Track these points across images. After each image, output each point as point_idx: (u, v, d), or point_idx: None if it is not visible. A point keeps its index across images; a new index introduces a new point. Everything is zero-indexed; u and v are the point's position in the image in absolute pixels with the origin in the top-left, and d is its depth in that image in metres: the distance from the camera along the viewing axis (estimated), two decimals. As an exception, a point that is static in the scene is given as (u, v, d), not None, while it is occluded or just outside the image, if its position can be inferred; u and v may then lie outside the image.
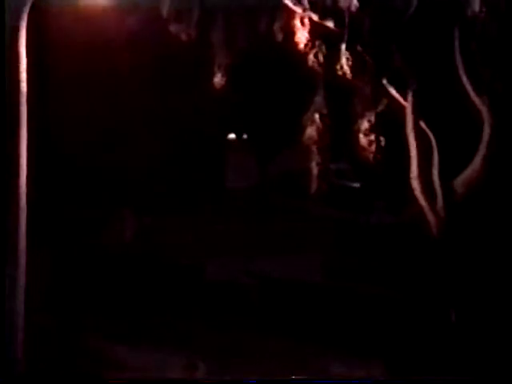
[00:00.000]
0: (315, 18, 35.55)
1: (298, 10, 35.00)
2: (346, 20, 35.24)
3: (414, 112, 34.57)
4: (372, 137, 35.59)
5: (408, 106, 34.55)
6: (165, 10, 35.28)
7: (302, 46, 35.20)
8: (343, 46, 35.22)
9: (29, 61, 28.14)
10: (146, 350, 37.62)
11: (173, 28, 35.66)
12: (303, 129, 35.79)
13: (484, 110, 34.22)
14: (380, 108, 35.52)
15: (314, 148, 36.18)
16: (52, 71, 31.11)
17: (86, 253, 37.38)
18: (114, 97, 34.90)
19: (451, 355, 31.62)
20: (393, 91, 34.76)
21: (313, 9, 35.52)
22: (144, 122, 35.79)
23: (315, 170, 36.25)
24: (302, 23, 35.47)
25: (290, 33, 35.42)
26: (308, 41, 35.48)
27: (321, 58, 35.62)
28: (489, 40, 34.64)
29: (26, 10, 28.36)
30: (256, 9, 36.47)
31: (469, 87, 34.32)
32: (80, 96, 34.39)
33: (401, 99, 34.64)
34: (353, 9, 34.75)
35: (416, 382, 29.69)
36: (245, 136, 43.93)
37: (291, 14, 35.34)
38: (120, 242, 38.07)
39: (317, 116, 36.05)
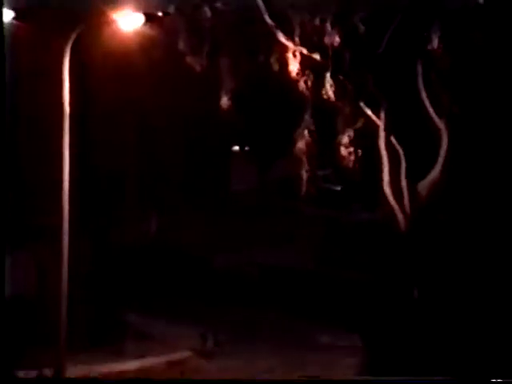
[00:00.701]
0: (304, 51, 35.30)
1: (291, 45, 35.01)
2: (330, 53, 35.13)
3: (386, 129, 34.72)
4: (351, 149, 35.57)
5: (380, 123, 34.77)
6: (181, 45, 35.34)
7: (293, 74, 35.29)
8: (328, 75, 35.15)
9: (71, 84, 28.02)
10: (167, 323, 37.66)
11: (188, 59, 35.55)
12: (295, 142, 35.72)
13: (442, 127, 34.59)
14: (357, 125, 35.54)
15: (304, 158, 36.05)
16: (90, 94, 30.46)
17: (121, 244, 37.69)
18: (140, 116, 35.13)
19: (415, 326, 30.82)
20: (368, 112, 34.93)
21: (302, 44, 35.34)
22: (165, 137, 35.95)
23: (305, 176, 35.99)
24: (294, 56, 35.44)
25: (284, 64, 35.47)
26: (299, 70, 35.39)
27: (309, 84, 35.47)
28: (445, 71, 34.88)
29: (72, 40, 28.28)
30: (256, 43, 36.29)
31: (430, 109, 34.61)
32: (113, 114, 34.17)
33: (375, 118, 34.92)
34: (335, 44, 34.78)
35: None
36: (246, 148, 44.06)
37: (285, 48, 35.40)
38: (146, 236, 38.32)
39: (306, 132, 35.95)
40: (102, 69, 31.89)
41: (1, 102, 26.81)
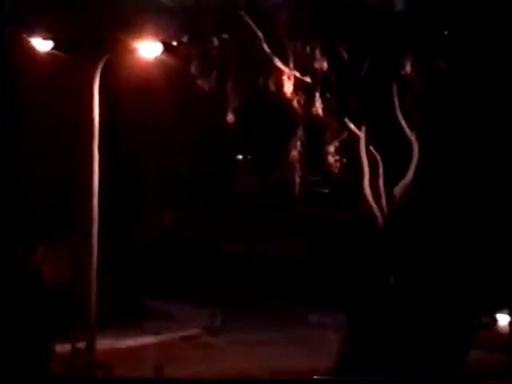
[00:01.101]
0: (297, 75, 35.32)
1: (286, 69, 35.32)
2: (319, 77, 35.29)
3: (366, 140, 35.15)
4: (337, 157, 35.90)
5: (362, 136, 35.21)
6: (193, 70, 35.35)
7: (288, 94, 35.62)
8: (317, 95, 35.42)
9: (100, 102, 29.04)
10: (180, 305, 38.32)
11: (199, 81, 35.66)
12: (289, 151, 36.12)
13: (413, 139, 35.13)
14: (342, 137, 35.85)
15: (297, 165, 36.45)
16: (116, 109, 30.72)
17: (141, 235, 38.26)
18: (158, 129, 35.53)
19: (391, 306, 30.35)
20: (351, 126, 35.41)
21: (296, 69, 35.49)
22: (180, 147, 36.28)
23: (298, 180, 36.41)
24: (289, 79, 35.65)
25: (280, 85, 35.73)
26: (292, 91, 35.68)
27: (301, 102, 35.72)
28: (416, 92, 35.39)
29: (101, 66, 26.89)
30: (256, 68, 36.33)
31: (403, 124, 35.15)
32: (135, 126, 34.34)
33: (357, 131, 35.38)
34: (323, 69, 35.07)
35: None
36: (248, 157, 44.47)
37: (281, 72, 35.64)
38: (163, 229, 38.68)
39: (298, 143, 36.24)
40: (126, 89, 32.04)
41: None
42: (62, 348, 22.42)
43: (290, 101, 35.81)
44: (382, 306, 28.77)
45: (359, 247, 35.65)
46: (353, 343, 24.41)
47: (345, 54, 35.00)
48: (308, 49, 35.28)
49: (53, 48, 30.89)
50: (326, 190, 40.01)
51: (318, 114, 35.76)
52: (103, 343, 27.85)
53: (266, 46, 35.19)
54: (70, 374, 21.56)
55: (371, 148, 35.25)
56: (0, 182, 22.37)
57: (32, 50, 30.46)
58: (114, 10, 33.77)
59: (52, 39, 30.93)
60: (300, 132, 36.41)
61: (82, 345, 27.47)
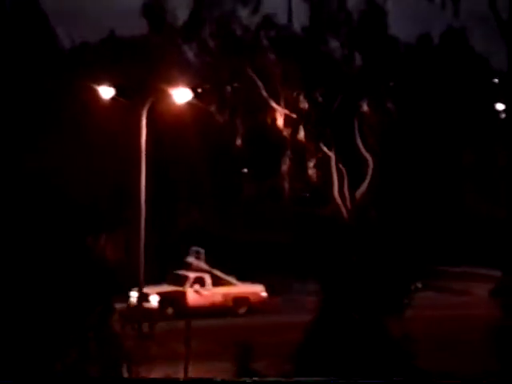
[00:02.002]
0: (287, 112, 35.98)
1: (279, 108, 36.48)
2: (302, 114, 36.28)
3: (335, 159, 36.38)
4: (315, 171, 36.85)
5: (332, 156, 36.51)
6: (212, 108, 36.21)
7: (280, 126, 36.66)
8: (301, 126, 36.30)
9: (147, 132, 29.17)
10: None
11: (216, 116, 36.63)
12: (280, 166, 37.24)
13: (369, 158, 36.51)
14: (318, 156, 36.67)
15: (286, 176, 37.34)
16: (159, 138, 31.13)
17: (175, 226, 36.36)
18: (188, 151, 35.62)
19: (354, 278, 27.25)
20: (325, 148, 36.68)
21: (286, 108, 36.26)
22: (203, 163, 36.14)
23: (287, 187, 37.22)
24: (280, 115, 36.62)
25: (274, 120, 36.80)
26: (283, 124, 36.59)
27: (289, 132, 36.50)
28: (371, 125, 36.61)
29: (146, 107, 29.30)
30: (257, 107, 36.79)
31: (361, 147, 36.66)
32: (171, 149, 34.50)
33: (328, 152, 36.64)
34: (306, 108, 36.28)
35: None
36: (251, 170, 44.35)
37: (275, 110, 36.68)
38: (191, 220, 38.02)
39: (287, 160, 37.07)
40: (165, 123, 32.92)
41: None
42: (120, 306, 21.48)
43: (281, 130, 37.62)
44: (347, 276, 28.54)
45: (331, 235, 35.72)
46: (326, 302, 23.55)
47: (320, 98, 36.92)
48: (294, 94, 36.85)
49: (116, 95, 31.04)
50: (307, 194, 39.53)
51: (301, 140, 37.32)
52: (149, 290, 26.63)
53: (264, 92, 37.00)
54: (125, 325, 20.28)
55: (339, 164, 36.76)
56: (78, 195, 22.32)
57: (98, 95, 30.82)
58: (158, 65, 34.44)
59: (114, 86, 30.77)
60: (288, 152, 37.92)
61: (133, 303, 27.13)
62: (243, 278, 33.97)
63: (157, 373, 17.25)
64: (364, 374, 17.52)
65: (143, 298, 26.92)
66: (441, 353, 20.24)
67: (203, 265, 34.08)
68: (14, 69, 31.19)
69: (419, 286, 20.35)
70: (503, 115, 35.61)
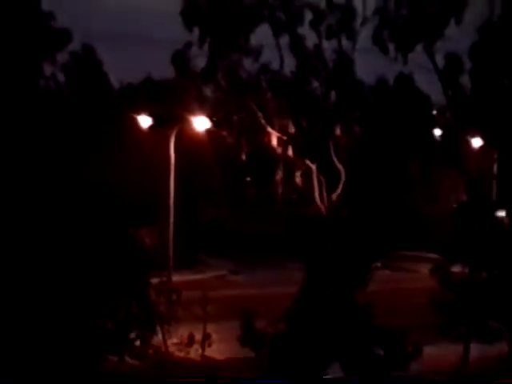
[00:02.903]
0: (280, 135, 36.19)
1: (273, 132, 36.69)
2: (291, 136, 36.37)
3: (316, 170, 36.24)
4: (300, 179, 37.65)
5: (313, 168, 36.42)
6: (224, 133, 36.49)
7: (274, 145, 37.40)
8: (290, 146, 36.52)
9: (175, 152, 29.12)
10: (217, 259, 35.76)
11: (226, 138, 36.96)
12: (274, 176, 38.42)
13: (341, 169, 36.56)
14: (303, 168, 36.92)
15: (279, 183, 38.72)
16: (184, 155, 31.05)
17: (197, 221, 35.74)
18: (205, 164, 35.42)
19: (329, 259, 26.69)
20: (308, 162, 36.59)
21: (278, 132, 36.27)
22: (218, 174, 35.89)
23: (280, 192, 38.46)
24: (275, 137, 37.15)
25: (270, 141, 37.42)
26: (276, 143, 37.22)
27: (281, 150, 37.19)
28: (342, 146, 37.20)
29: (174, 132, 29.24)
30: (256, 131, 36.89)
31: (335, 160, 36.66)
32: (194, 163, 33.61)
33: (311, 165, 36.57)
34: (293, 132, 36.35)
35: None
36: (253, 179, 44.19)
37: (270, 134, 37.01)
38: (210, 217, 37.69)
39: (280, 171, 38.47)
40: (188, 145, 32.59)
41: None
42: (154, 281, 21.16)
43: (275, 149, 38.51)
44: (325, 258, 27.95)
45: (313, 227, 35.69)
46: (309, 278, 23.13)
47: (304, 125, 37.12)
48: (285, 122, 37.50)
49: (153, 124, 30.99)
50: (295, 197, 39.54)
51: (290, 156, 38.03)
52: (176, 278, 25.59)
53: (262, 120, 37.28)
54: (159, 295, 19.22)
55: (319, 174, 36.96)
56: (126, 199, 21.95)
57: (139, 124, 30.87)
58: (183, 100, 34.05)
59: (151, 115, 30.76)
60: (280, 165, 39.15)
61: (163, 278, 26.67)
62: (248, 258, 34.24)
63: (182, 330, 17.96)
64: (338, 330, 17.68)
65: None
66: (394, 314, 20.31)
67: None
68: (78, 103, 31.05)
69: (378, 265, 20.62)
70: (439, 138, 37.14)
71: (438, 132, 36.44)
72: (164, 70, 34.69)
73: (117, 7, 36.42)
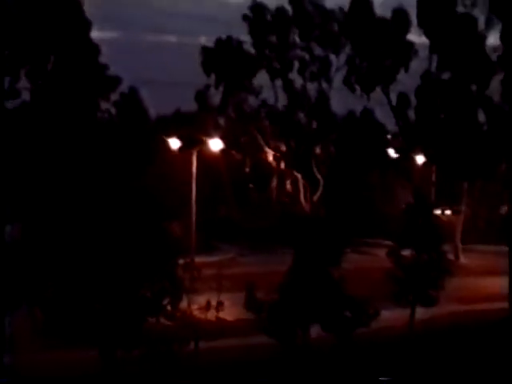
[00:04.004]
0: (274, 153, 35.91)
1: (269, 151, 36.58)
2: (283, 153, 36.47)
3: (302, 179, 36.22)
4: (290, 186, 37.10)
5: (299, 177, 36.48)
6: (234, 151, 36.04)
7: (271, 160, 36.97)
8: (282, 161, 36.72)
9: (197, 170, 29.15)
10: (228, 245, 35.29)
11: (235, 155, 36.48)
12: (270, 183, 37.64)
13: (320, 178, 36.58)
14: (292, 178, 36.62)
15: (274, 189, 37.87)
16: (203, 169, 30.71)
17: (211, 218, 34.84)
18: (217, 174, 35.08)
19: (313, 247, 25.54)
20: (295, 173, 36.52)
21: (273, 150, 35.92)
22: (228, 182, 35.59)
23: (275, 195, 37.40)
24: (271, 154, 36.79)
25: (267, 157, 36.77)
26: (272, 159, 36.79)
27: (276, 164, 36.82)
28: (321, 160, 36.84)
29: (196, 150, 29.11)
30: (256, 150, 36.17)
31: (316, 172, 36.31)
32: (211, 174, 33.33)
33: (297, 175, 36.56)
34: (284, 150, 36.51)
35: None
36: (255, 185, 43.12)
37: (267, 152, 36.62)
38: (222, 214, 37.40)
39: (275, 180, 37.83)
40: (206, 161, 32.07)
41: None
42: (181, 261, 20.60)
43: (271, 163, 37.90)
44: (308, 244, 26.58)
45: (299, 222, 32.37)
46: (296, 259, 20.82)
47: (293, 145, 37.23)
48: (279, 143, 37.37)
49: (181, 145, 30.53)
50: (286, 199, 38.27)
51: (282, 169, 37.91)
52: (197, 259, 24.30)
53: (261, 142, 37.28)
54: (184, 274, 18.66)
55: (303, 182, 36.90)
56: (161, 200, 21.62)
57: (170, 146, 30.81)
58: (203, 127, 33.49)
59: (179, 137, 30.28)
60: (275, 176, 38.32)
61: (188, 260, 26.35)
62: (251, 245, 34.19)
63: (201, 299, 18.08)
64: (318, 299, 17.98)
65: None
66: (359, 286, 20.19)
67: None
68: (126, 130, 31.48)
69: (348, 250, 20.86)
70: (393, 156, 37.07)
71: (392, 151, 36.42)
72: (189, 105, 35.43)
73: (154, 59, 38.38)
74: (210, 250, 32.08)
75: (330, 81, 33.59)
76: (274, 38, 33.36)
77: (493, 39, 29.10)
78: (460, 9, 29.95)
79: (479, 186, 34.82)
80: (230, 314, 20.09)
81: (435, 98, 31.63)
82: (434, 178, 33.52)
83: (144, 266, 16.69)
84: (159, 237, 17.13)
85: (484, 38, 30.33)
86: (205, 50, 33.84)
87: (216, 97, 34.79)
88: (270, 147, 35.51)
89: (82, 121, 27.58)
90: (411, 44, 32.40)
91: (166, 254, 16.98)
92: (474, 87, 31.12)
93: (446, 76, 31.54)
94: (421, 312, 21.38)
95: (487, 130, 31.40)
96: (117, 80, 30.35)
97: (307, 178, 34.95)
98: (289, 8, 32.66)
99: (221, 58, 33.65)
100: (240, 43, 33.51)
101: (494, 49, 29.53)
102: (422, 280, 20.98)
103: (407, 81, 33.04)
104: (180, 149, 30.44)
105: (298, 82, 34.08)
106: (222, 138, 32.31)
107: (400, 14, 31.81)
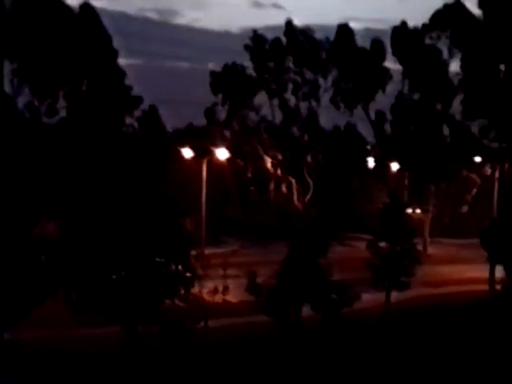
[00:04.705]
0: (272, 161, 34.95)
1: (268, 159, 35.62)
2: (279, 161, 35.58)
3: (295, 183, 35.80)
4: (285, 188, 35.97)
5: (293, 181, 36.06)
6: (239, 160, 35.53)
7: (269, 167, 35.83)
8: (279, 168, 35.62)
9: (207, 175, 29.37)
10: (233, 238, 35.10)
11: (239, 163, 35.63)
12: (269, 187, 36.46)
13: (310, 182, 35.92)
14: (287, 181, 35.73)
15: (272, 191, 36.38)
16: (212, 175, 30.30)
17: (218, 216, 34.22)
18: (225, 180, 34.86)
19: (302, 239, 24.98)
20: (290, 178, 35.85)
21: (271, 158, 34.77)
22: (233, 186, 35.36)
23: (272, 197, 36.23)
24: (269, 162, 35.86)
25: (266, 164, 35.91)
26: (270, 166, 35.77)
27: (273, 170, 35.68)
28: (311, 167, 36.33)
29: (206, 160, 29.13)
30: (258, 158, 35.47)
31: (307, 177, 35.57)
32: (218, 180, 32.71)
33: (292, 179, 35.98)
34: (281, 158, 35.53)
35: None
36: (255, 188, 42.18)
37: (266, 159, 35.76)
38: (226, 213, 36.41)
39: (272, 184, 36.63)
40: (215, 168, 31.91)
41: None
42: (193, 252, 20.13)
43: (269, 169, 36.74)
44: (300, 238, 24.48)
45: (293, 219, 33.51)
46: (291, 250, 21.00)
47: (288, 154, 36.50)
48: (276, 152, 36.34)
49: (194, 156, 30.64)
50: (281, 199, 37.31)
51: (279, 174, 36.71)
52: (207, 250, 24.07)
53: (261, 151, 36.71)
54: (195, 262, 18.95)
55: (297, 185, 36.47)
56: (178, 201, 20.19)
57: (183, 155, 31.14)
58: (211, 139, 33.31)
59: (191, 148, 30.54)
60: (272, 180, 37.10)
61: (199, 251, 25.76)
62: (252, 239, 34.02)
63: (210, 283, 18.32)
64: (309, 283, 18.28)
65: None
66: (343, 273, 20.40)
67: None
68: (147, 142, 31.46)
69: (334, 243, 21.03)
70: (372, 163, 37.00)
71: (371, 160, 36.68)
72: (200, 120, 35.58)
73: (170, 82, 39.62)
74: (217, 243, 31.97)
75: (318, 100, 34.05)
76: (271, 64, 33.96)
77: (454, 66, 31.01)
78: (427, 41, 31.52)
79: (444, 189, 35.26)
80: (234, 296, 20.23)
81: (407, 114, 32.73)
82: (406, 182, 34.01)
83: (162, 256, 16.89)
84: (175, 231, 17.27)
85: (447, 65, 31.71)
86: (213, 74, 34.53)
87: (222, 113, 35.13)
88: (268, 156, 35.38)
89: (111, 133, 28.17)
90: (387, 70, 33.43)
91: (181, 245, 17.11)
92: (439, 106, 32.27)
93: (416, 96, 32.84)
94: (395, 295, 21.75)
95: (450, 141, 32.45)
96: (139, 99, 30.82)
97: (300, 182, 35.02)
98: (284, 39, 33.68)
99: (226, 80, 34.22)
100: (243, 68, 34.11)
101: (456, 74, 31.29)
102: (395, 268, 21.34)
103: (384, 100, 33.88)
104: (192, 157, 30.60)
105: (292, 101, 34.69)
106: (227, 148, 32.32)
107: (377, 44, 32.93)
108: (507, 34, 27.47)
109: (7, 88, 26.15)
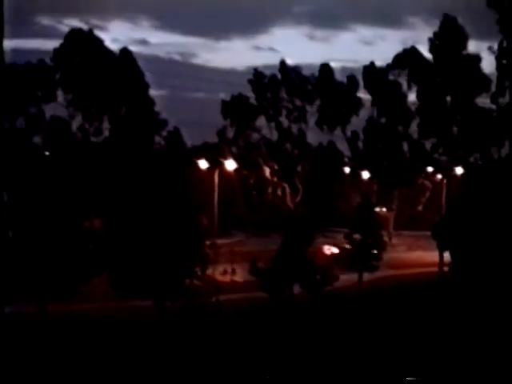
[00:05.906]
0: (270, 170, 34.80)
1: (267, 168, 35.07)
2: (276, 170, 35.01)
3: (288, 187, 35.10)
4: (280, 192, 35.16)
5: (286, 186, 35.33)
6: (244, 170, 35.28)
7: (267, 175, 35.37)
8: (275, 176, 35.09)
9: (218, 182, 30.51)
10: (239, 231, 34.99)
11: (243, 172, 35.10)
12: (267, 191, 35.84)
13: (300, 187, 35.25)
14: (281, 186, 35.03)
15: (270, 194, 36.02)
16: (222, 181, 30.48)
17: (227, 214, 34.08)
18: (231, 184, 34.44)
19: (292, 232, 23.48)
20: (284, 184, 35.41)
21: (269, 168, 34.79)
22: (239, 190, 35.14)
23: (270, 199, 35.58)
24: (267, 171, 35.21)
25: (264, 173, 35.31)
26: (269, 174, 35.26)
27: (271, 177, 35.21)
28: (301, 175, 35.53)
29: (217, 169, 30.50)
30: (259, 169, 34.93)
31: (297, 182, 34.99)
32: (226, 184, 32.18)
33: (285, 185, 35.48)
34: (277, 167, 34.95)
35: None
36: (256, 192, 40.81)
37: (265, 169, 35.27)
38: (234, 212, 35.91)
39: (270, 189, 36.00)
40: (225, 176, 31.90)
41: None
42: (207, 242, 20.03)
43: (267, 177, 36.26)
44: (292, 231, 24.82)
45: (286, 216, 31.61)
46: (284, 241, 21.57)
47: (282, 165, 35.51)
48: (273, 164, 35.85)
49: (208, 166, 31.01)
50: (278, 201, 36.49)
51: (275, 180, 36.11)
52: (218, 241, 22.94)
53: (261, 162, 36.28)
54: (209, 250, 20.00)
55: (289, 189, 35.88)
56: (195, 202, 20.84)
57: (199, 166, 31.29)
58: (222, 154, 33.44)
59: (206, 162, 30.98)
60: (270, 185, 36.81)
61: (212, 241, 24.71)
62: (254, 232, 34.01)
63: (220, 267, 19.52)
64: (298, 267, 19.07)
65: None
66: (324, 259, 21.71)
67: None
68: (171, 157, 31.09)
69: (319, 235, 21.48)
70: (348, 172, 36.74)
71: (347, 169, 36.62)
72: (213, 139, 35.40)
73: (190, 108, 37.43)
74: (226, 235, 31.66)
75: (306, 122, 34.33)
76: (269, 95, 34.33)
77: (412, 97, 32.37)
78: (391, 77, 32.65)
79: (404, 193, 35.98)
80: (240, 277, 21.63)
81: (376, 134, 33.53)
82: (375, 187, 34.72)
83: (184, 245, 17.66)
84: (193, 226, 18.13)
85: (406, 96, 32.82)
86: (223, 102, 34.90)
87: (231, 133, 35.18)
88: (267, 166, 35.44)
89: (143, 149, 28.88)
90: (360, 99, 34.16)
91: (198, 237, 18.11)
92: (400, 128, 33.15)
93: (383, 120, 33.60)
94: (366, 276, 22.68)
95: (409, 156, 33.41)
96: (165, 122, 31.37)
97: (292, 186, 35.06)
98: (279, 75, 34.19)
99: (234, 108, 34.68)
100: (247, 98, 34.60)
101: (413, 103, 32.45)
102: (367, 254, 22.32)
103: (357, 123, 34.62)
104: (207, 168, 31.01)
105: (285, 123, 34.77)
106: (235, 160, 32.79)
107: (352, 79, 33.84)
108: (451, 73, 29.43)
109: (63, 113, 28.35)
